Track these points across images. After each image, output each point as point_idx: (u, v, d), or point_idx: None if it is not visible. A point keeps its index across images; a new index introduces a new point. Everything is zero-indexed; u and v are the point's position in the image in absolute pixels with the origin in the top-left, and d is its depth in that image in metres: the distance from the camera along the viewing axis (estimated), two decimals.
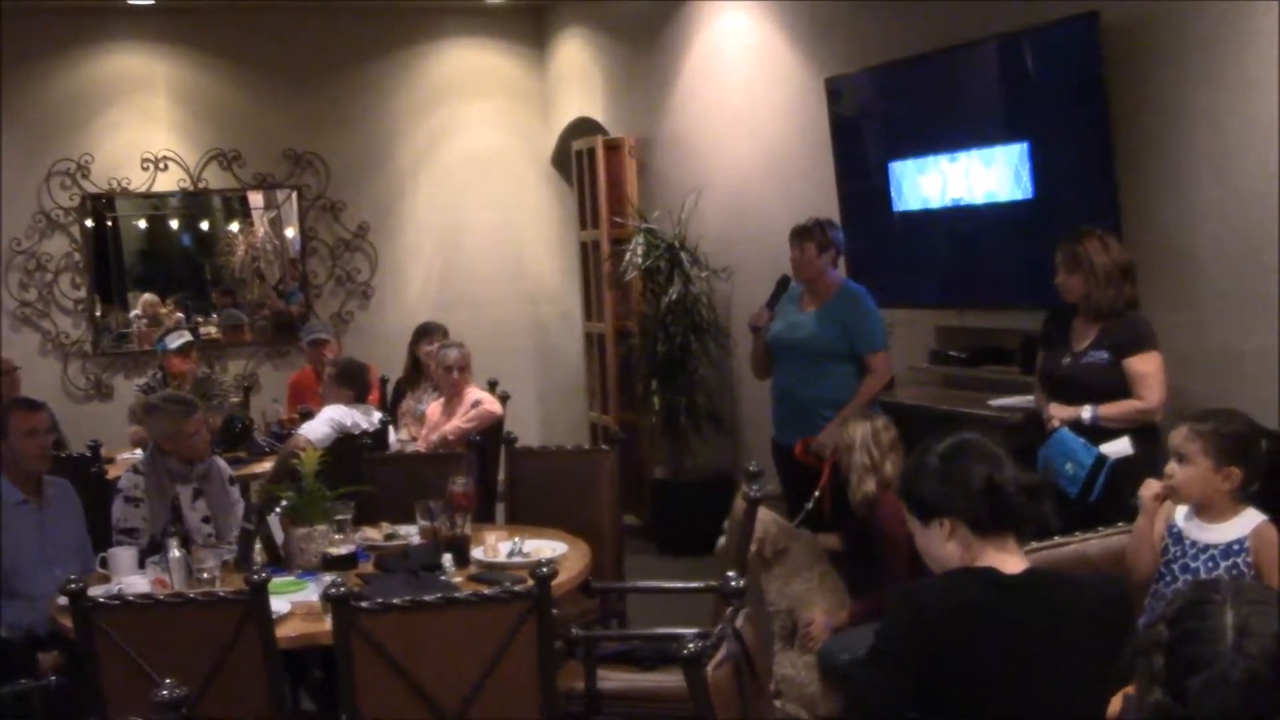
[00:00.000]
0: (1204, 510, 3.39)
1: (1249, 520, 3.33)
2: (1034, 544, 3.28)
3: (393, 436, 6.52)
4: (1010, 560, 2.44)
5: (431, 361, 6.82)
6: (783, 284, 5.59)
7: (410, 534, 4.65)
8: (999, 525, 2.43)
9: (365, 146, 9.64)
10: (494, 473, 6.36)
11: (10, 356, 7.40)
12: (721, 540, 4.85)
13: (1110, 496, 4.08)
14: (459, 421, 6.31)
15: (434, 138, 9.82)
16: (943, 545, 2.47)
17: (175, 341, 7.44)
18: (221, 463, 5.13)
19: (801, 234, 5.46)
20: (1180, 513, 3.44)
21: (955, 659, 2.33)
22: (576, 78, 9.51)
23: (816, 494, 5.15)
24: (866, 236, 6.01)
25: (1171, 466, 3.40)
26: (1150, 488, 3.47)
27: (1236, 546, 3.31)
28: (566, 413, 9.77)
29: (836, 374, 5.38)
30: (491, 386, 6.95)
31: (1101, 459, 4.18)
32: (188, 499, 4.78)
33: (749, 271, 7.34)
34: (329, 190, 9.56)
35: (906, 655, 2.37)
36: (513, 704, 3.36)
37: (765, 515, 4.72)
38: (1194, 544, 3.37)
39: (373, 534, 4.70)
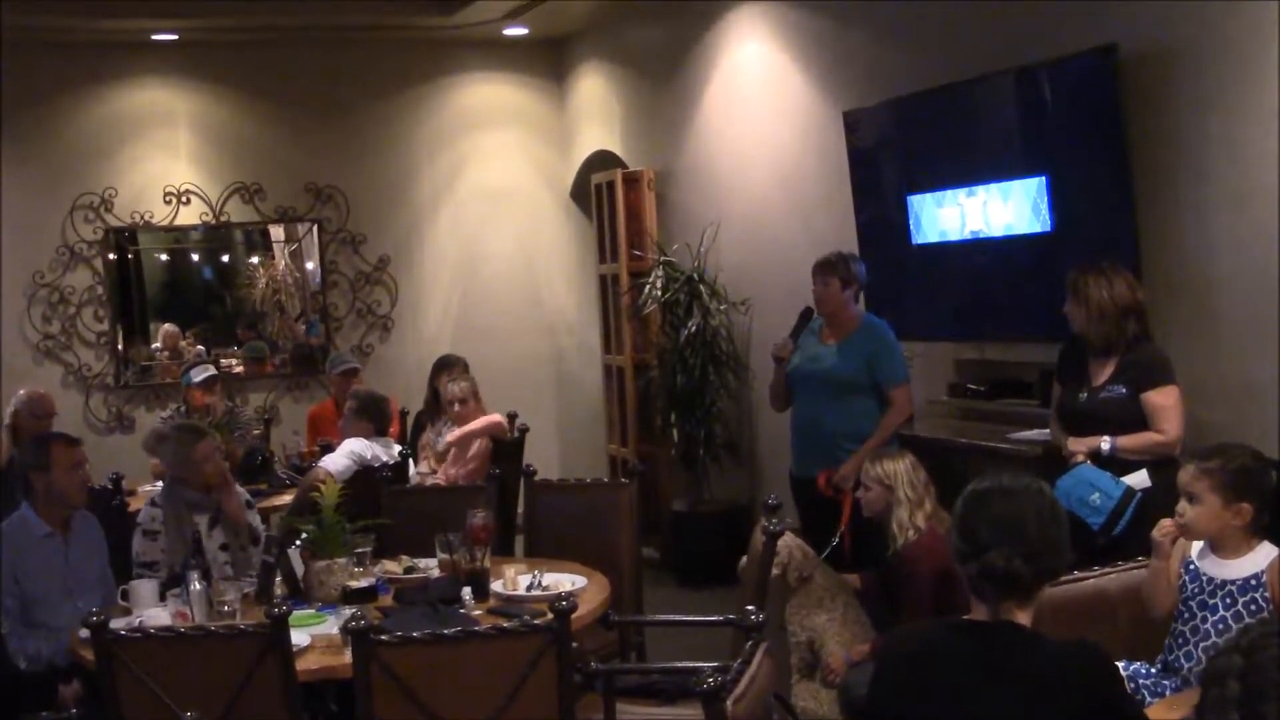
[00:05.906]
0: (1218, 547, 3.37)
1: (1264, 554, 3.31)
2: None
3: (412, 469, 6.54)
4: (988, 611, 2.44)
5: None
6: (806, 315, 5.58)
7: (430, 567, 4.66)
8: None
9: (386, 180, 9.69)
10: (513, 505, 6.37)
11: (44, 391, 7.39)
12: (744, 560, 4.77)
13: (1133, 530, 4.06)
14: (459, 429, 6.34)
15: (454, 171, 9.87)
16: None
17: (200, 375, 7.49)
18: (238, 489, 5.13)
19: (826, 268, 5.46)
20: (1195, 549, 3.42)
21: (908, 699, 2.41)
22: (596, 111, 9.55)
23: (840, 530, 5.12)
24: (885, 269, 6.01)
25: (1182, 505, 3.38)
26: (1163, 528, 3.45)
27: (1254, 581, 3.29)
28: (585, 445, 9.77)
29: (858, 407, 5.38)
30: (511, 419, 6.97)
31: (1131, 492, 4.14)
32: (205, 528, 4.79)
33: (768, 304, 7.35)
34: (349, 223, 9.62)
35: (872, 702, 2.49)
36: None
37: (791, 541, 4.68)
38: (1211, 580, 3.35)
39: (392, 567, 4.71)
